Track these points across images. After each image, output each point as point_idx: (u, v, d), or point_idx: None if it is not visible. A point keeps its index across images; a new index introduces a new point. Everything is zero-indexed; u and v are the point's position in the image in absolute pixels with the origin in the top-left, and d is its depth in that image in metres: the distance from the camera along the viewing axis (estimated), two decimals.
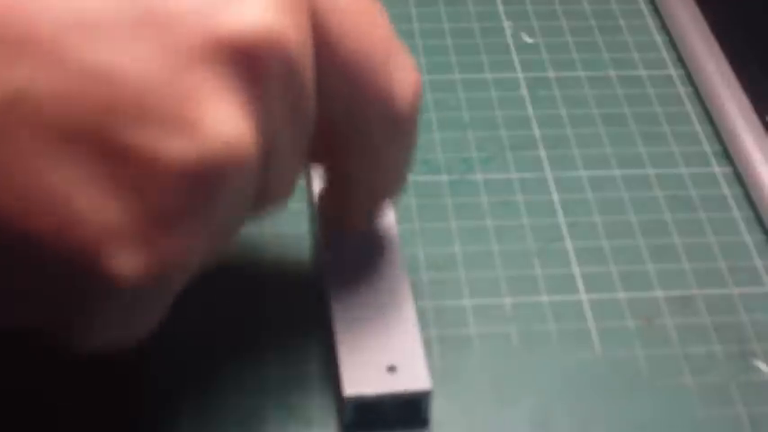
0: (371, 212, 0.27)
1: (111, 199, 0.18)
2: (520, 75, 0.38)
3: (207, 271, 0.22)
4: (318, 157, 0.26)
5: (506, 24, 0.40)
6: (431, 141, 0.35)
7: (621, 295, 0.31)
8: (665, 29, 0.41)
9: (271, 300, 0.30)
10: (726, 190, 0.34)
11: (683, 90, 0.38)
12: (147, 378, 0.27)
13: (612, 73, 0.38)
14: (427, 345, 0.29)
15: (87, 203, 0.18)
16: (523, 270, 0.31)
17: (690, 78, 0.38)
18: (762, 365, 0.29)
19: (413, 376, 0.26)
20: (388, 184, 0.26)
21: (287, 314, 0.29)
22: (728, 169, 0.35)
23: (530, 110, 0.37)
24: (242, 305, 0.29)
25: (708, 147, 0.36)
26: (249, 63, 0.20)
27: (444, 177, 0.34)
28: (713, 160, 0.35)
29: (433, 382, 0.27)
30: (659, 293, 0.31)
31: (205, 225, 0.20)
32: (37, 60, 0.18)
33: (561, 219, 0.33)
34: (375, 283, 0.28)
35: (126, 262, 0.19)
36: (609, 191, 0.34)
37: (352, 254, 0.28)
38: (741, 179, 0.34)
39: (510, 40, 0.40)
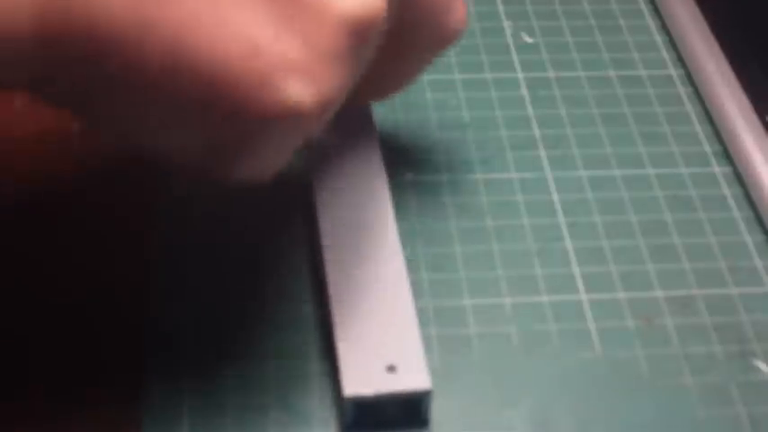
0: (371, 102, 0.33)
1: (287, 38, 0.22)
2: (520, 75, 0.38)
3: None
4: None
5: (506, 24, 0.40)
6: (431, 141, 0.35)
7: (621, 295, 0.30)
8: (665, 29, 0.40)
9: (270, 299, 0.30)
10: (726, 190, 0.34)
11: (683, 90, 0.38)
12: (146, 378, 0.27)
13: (612, 73, 0.38)
14: (427, 345, 0.29)
15: (267, 39, 0.22)
16: (523, 270, 0.31)
17: (690, 78, 0.38)
18: (762, 365, 0.29)
19: (413, 376, 0.26)
20: (401, 84, 0.31)
21: (286, 311, 0.29)
22: (728, 169, 0.35)
23: (530, 110, 0.37)
24: (241, 303, 0.29)
25: (708, 147, 0.36)
26: None
27: (444, 177, 0.34)
28: (713, 160, 0.35)
29: (433, 382, 0.27)
30: (659, 293, 0.31)
31: (354, 67, 0.24)
32: None
33: (561, 219, 0.33)
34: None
35: (297, 89, 0.23)
36: (609, 191, 0.34)
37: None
38: (741, 179, 0.34)
39: (510, 40, 0.40)
